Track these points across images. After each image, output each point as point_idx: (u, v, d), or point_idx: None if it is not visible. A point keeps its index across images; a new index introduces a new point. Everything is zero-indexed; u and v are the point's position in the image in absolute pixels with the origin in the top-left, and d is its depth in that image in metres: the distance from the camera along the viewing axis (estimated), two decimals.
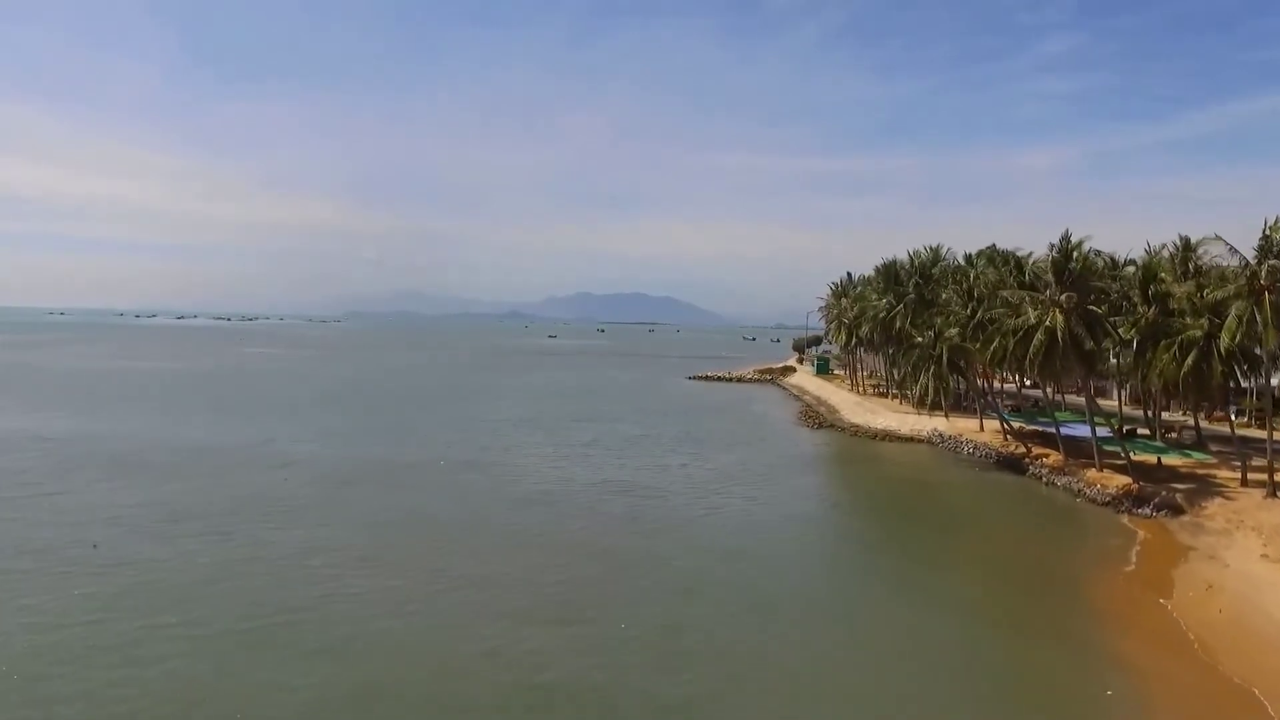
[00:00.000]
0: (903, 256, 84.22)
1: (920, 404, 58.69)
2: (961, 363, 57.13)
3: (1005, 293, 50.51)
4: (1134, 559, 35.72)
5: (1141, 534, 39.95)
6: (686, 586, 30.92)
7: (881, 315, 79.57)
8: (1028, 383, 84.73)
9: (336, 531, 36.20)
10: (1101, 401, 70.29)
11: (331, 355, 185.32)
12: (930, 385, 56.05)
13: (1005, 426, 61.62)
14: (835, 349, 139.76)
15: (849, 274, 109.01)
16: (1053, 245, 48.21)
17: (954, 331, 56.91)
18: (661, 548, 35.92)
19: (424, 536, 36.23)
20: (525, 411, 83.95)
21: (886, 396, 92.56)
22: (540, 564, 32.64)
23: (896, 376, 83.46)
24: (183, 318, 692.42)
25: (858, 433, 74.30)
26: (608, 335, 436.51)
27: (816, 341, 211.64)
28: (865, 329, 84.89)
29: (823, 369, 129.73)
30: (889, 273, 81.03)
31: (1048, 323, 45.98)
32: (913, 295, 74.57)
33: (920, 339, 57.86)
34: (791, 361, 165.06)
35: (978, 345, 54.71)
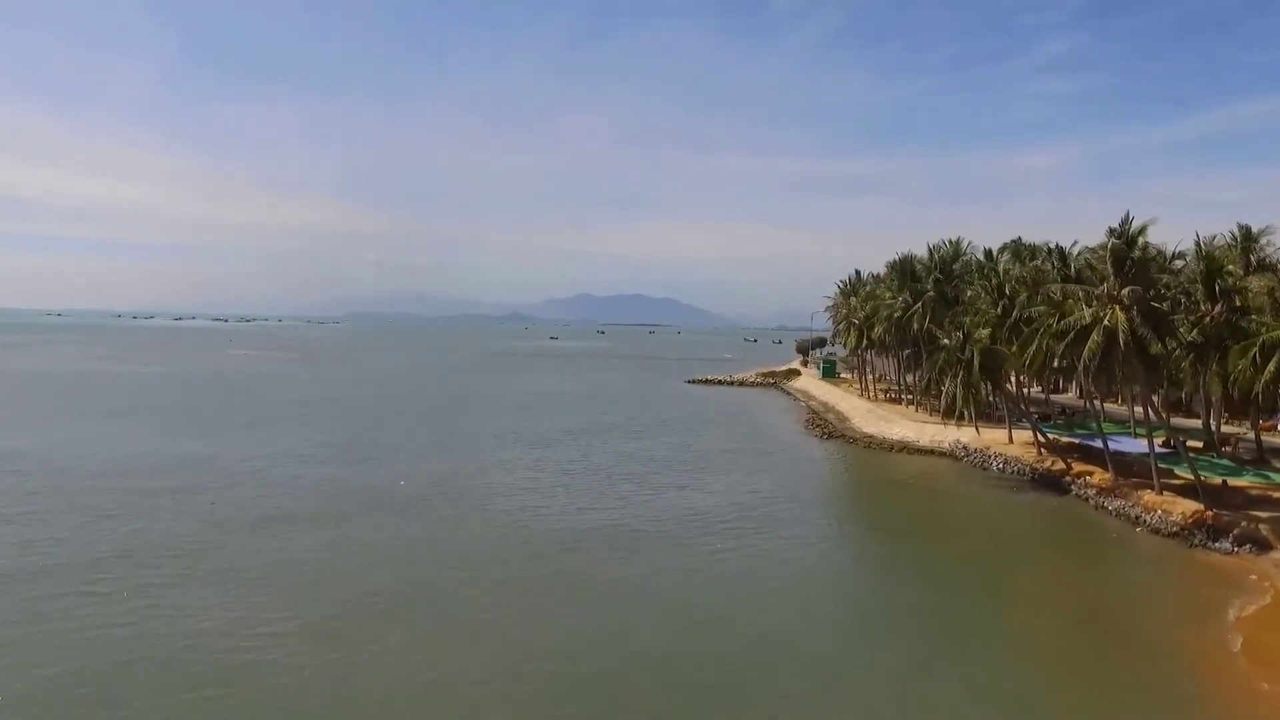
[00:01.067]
0: (917, 252, 77.78)
1: (947, 414, 51.80)
2: (994, 367, 50.29)
3: (1051, 287, 43.67)
4: (1234, 612, 28.86)
5: (1230, 577, 33.15)
6: (682, 657, 24.21)
7: (897, 315, 72.92)
8: (1038, 388, 78.09)
9: (241, 590, 29.13)
10: (1134, 410, 62.74)
11: (320, 358, 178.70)
12: (959, 393, 49.23)
13: (1040, 438, 54.82)
14: (843, 351, 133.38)
15: (857, 271, 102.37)
16: (1111, 230, 41.33)
17: (985, 333, 50.15)
18: (651, 618, 28.92)
19: (347, 596, 29.15)
20: (509, 423, 77.18)
21: (900, 403, 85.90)
22: (485, 647, 25.34)
23: (914, 381, 76.72)
24: (180, 319, 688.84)
25: (871, 444, 67.54)
26: (608, 337, 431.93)
27: (821, 343, 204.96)
28: (878, 330, 78.20)
29: (829, 372, 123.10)
30: (904, 269, 74.28)
31: (1106, 321, 39.10)
32: (932, 293, 67.84)
33: (947, 341, 51.08)
34: (795, 364, 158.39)
35: (1013, 348, 48.03)
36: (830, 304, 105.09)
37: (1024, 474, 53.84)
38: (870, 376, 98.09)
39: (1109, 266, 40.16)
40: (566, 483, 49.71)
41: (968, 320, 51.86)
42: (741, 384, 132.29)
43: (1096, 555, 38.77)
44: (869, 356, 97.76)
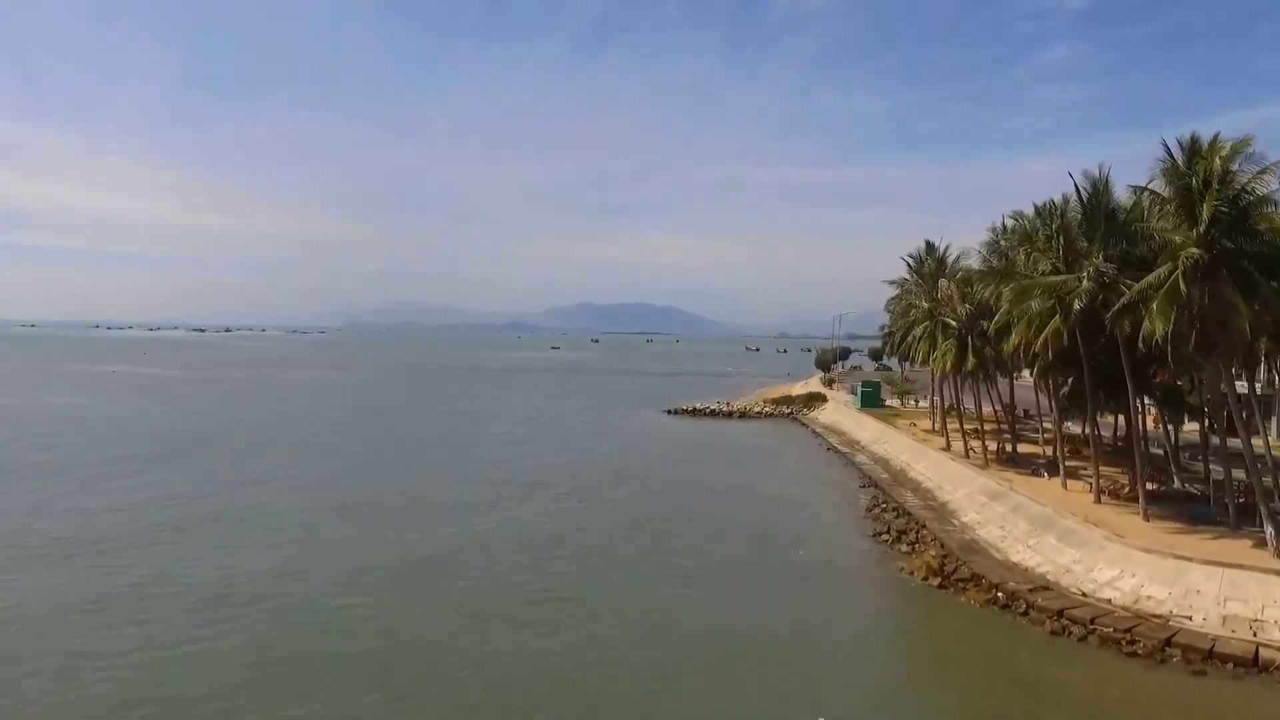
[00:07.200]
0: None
1: None
2: None
3: None
4: None
5: None
6: None
7: (1078, 305, 34.06)
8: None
9: None
10: None
11: (198, 380, 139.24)
12: None
13: None
14: (904, 369, 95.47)
15: (928, 243, 62.86)
16: None
17: None
18: None
19: None
20: (307, 555, 38.49)
21: (1020, 465, 46.81)
22: None
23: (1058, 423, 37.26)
24: (156, 329, 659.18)
25: (1064, 614, 27.63)
26: (601, 346, 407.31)
27: (845, 354, 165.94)
28: (1018, 337, 38.95)
29: (870, 401, 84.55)
30: (1093, 211, 35.10)
31: None
32: (1200, 252, 28.71)
33: None
34: (816, 383, 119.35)
35: None
36: (896, 293, 65.54)
37: None
38: (940, 408, 59.15)
39: None
40: None
41: None
42: (743, 415, 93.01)
43: None
44: (951, 383, 58.50)
